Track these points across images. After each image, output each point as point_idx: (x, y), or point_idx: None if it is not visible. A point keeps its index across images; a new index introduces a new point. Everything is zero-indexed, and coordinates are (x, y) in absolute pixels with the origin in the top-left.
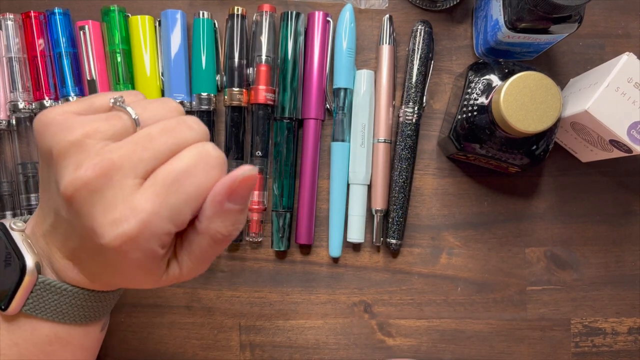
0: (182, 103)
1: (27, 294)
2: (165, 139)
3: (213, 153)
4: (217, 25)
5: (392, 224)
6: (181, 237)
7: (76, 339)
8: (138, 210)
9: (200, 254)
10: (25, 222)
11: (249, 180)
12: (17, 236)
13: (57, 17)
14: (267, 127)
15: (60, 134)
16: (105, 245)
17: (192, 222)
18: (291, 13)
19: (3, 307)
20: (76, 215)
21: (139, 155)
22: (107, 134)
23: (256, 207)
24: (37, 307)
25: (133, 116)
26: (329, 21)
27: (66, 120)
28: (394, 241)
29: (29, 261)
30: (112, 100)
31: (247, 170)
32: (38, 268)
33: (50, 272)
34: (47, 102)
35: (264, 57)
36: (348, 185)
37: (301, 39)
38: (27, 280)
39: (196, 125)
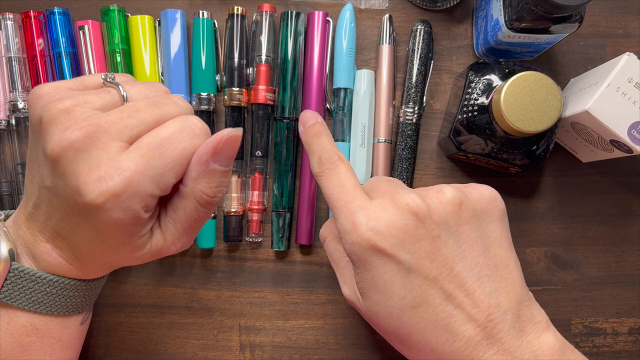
0: None
1: (1, 282)
2: (151, 110)
3: (197, 123)
4: (217, 25)
5: None
6: (165, 207)
7: (54, 331)
8: (122, 169)
9: (185, 219)
10: (9, 216)
11: (233, 140)
12: None
13: (57, 16)
14: (267, 127)
15: (51, 103)
16: (89, 203)
17: (177, 190)
18: (291, 13)
19: None
20: (61, 177)
21: (125, 122)
22: (96, 105)
23: (256, 207)
24: (12, 296)
25: (122, 92)
26: (329, 21)
27: (58, 93)
28: None
29: (3, 248)
30: (103, 76)
31: (231, 130)
32: (12, 255)
33: (29, 261)
34: None
35: (264, 57)
36: None
37: (301, 38)
38: (0, 267)
39: (181, 102)
